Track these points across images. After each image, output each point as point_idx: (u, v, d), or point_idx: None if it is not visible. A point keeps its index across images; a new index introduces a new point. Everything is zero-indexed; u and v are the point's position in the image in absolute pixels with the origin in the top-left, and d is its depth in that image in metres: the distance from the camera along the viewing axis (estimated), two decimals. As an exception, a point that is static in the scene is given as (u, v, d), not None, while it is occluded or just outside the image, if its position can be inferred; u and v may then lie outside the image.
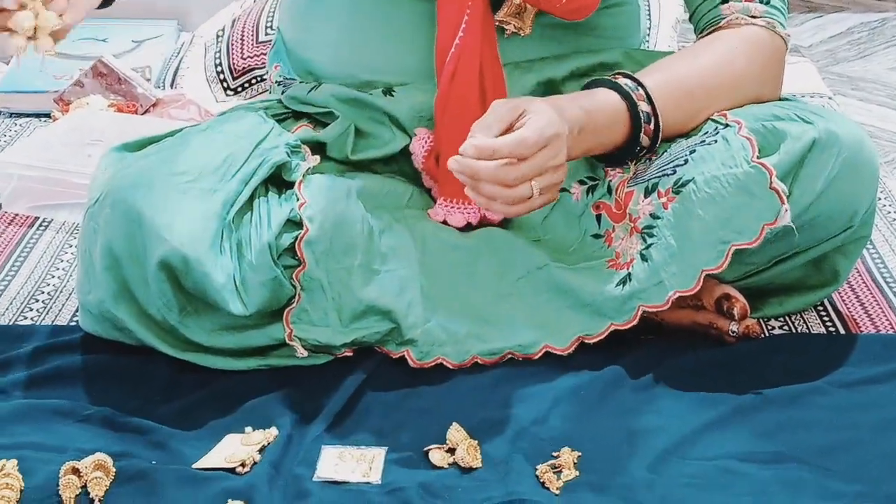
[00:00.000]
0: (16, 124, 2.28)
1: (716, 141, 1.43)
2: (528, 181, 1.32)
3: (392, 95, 1.57)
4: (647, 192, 1.47)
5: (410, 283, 1.47)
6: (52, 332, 1.57)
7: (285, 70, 1.67)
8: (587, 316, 1.47)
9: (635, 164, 1.50)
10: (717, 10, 1.52)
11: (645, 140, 1.45)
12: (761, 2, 1.51)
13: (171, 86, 2.33)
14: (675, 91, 1.46)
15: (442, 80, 1.50)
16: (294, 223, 1.46)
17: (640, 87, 1.45)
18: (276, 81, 1.68)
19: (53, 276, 1.75)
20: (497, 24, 1.52)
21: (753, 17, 1.50)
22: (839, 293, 1.63)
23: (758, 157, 1.40)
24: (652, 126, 1.45)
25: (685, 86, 1.47)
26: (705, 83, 1.48)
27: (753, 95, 1.50)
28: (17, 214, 1.93)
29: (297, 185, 1.49)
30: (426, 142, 1.56)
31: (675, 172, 1.44)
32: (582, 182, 1.53)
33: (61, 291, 1.71)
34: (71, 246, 1.83)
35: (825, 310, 1.61)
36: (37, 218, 1.92)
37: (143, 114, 2.19)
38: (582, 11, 1.48)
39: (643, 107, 1.44)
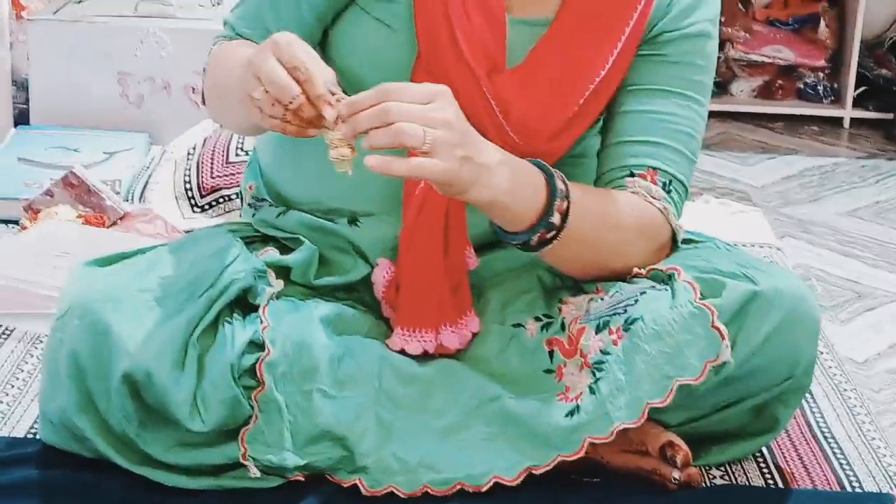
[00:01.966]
0: (-17, 230, 2.32)
1: (665, 287, 1.50)
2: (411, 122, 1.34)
3: (357, 225, 1.62)
4: (599, 329, 1.52)
5: (366, 411, 1.51)
6: (9, 444, 1.60)
7: (259, 190, 1.73)
8: (536, 447, 1.51)
9: (588, 302, 1.56)
10: (623, 181, 1.58)
11: (557, 218, 1.47)
12: (663, 187, 1.57)
13: (140, 199, 2.38)
14: (588, 204, 1.51)
15: (409, 212, 1.56)
16: (256, 345, 1.50)
17: (559, 176, 1.49)
18: (249, 203, 1.74)
19: (13, 387, 1.77)
20: None
21: (654, 198, 1.57)
22: (779, 444, 1.68)
23: (700, 299, 1.47)
24: (565, 206, 1.47)
25: (597, 209, 1.52)
26: (608, 222, 1.53)
27: (630, 261, 1.56)
28: (-21, 322, 1.95)
29: (261, 308, 1.54)
30: (387, 272, 1.61)
31: (625, 311, 1.50)
32: (537, 319, 1.59)
33: (20, 403, 1.73)
34: (32, 356, 1.86)
35: (765, 461, 1.66)
36: (-2, 327, 1.95)
37: (110, 226, 2.23)
38: (546, 158, 1.54)
39: (560, 184, 1.47)
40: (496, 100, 1.53)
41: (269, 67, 1.33)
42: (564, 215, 1.47)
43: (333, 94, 1.35)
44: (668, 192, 1.57)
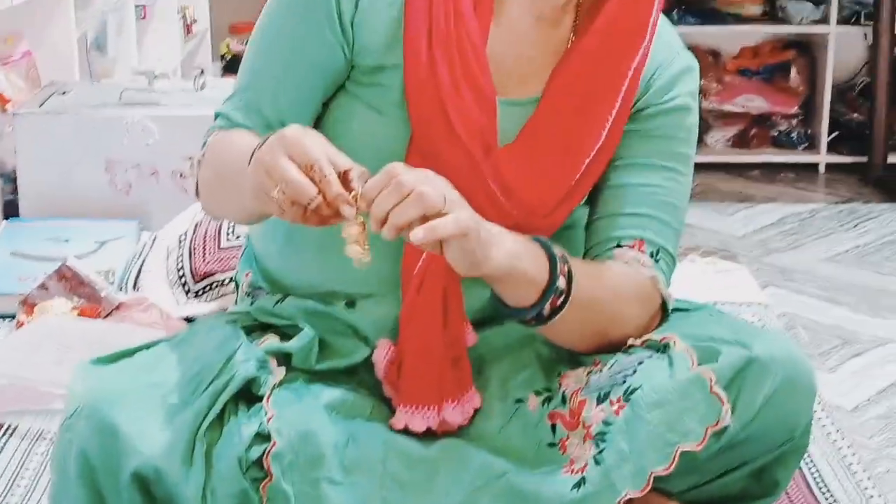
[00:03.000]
0: (-21, 326, 2.34)
1: (662, 355, 1.53)
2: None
3: (355, 308, 1.65)
4: (600, 400, 1.54)
5: (373, 496, 1.52)
6: (22, 545, 1.61)
7: (255, 278, 1.75)
8: (543, 522, 1.52)
9: (587, 375, 1.58)
10: (611, 253, 1.62)
11: (563, 282, 1.50)
12: (651, 257, 1.61)
13: (134, 287, 2.39)
14: (586, 271, 1.55)
15: (409, 291, 1.58)
16: (262, 436, 1.52)
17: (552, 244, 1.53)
18: (246, 292, 1.76)
19: (19, 486, 1.79)
20: None
21: (643, 266, 1.61)
22: (775, 498, 1.71)
23: (697, 366, 1.50)
24: (567, 268, 1.51)
25: (595, 277, 1.56)
26: (607, 290, 1.57)
27: (627, 329, 1.59)
28: (-18, 419, 1.97)
29: (265, 399, 1.56)
30: (388, 352, 1.63)
31: (625, 381, 1.53)
32: (538, 393, 1.61)
33: (28, 500, 1.74)
34: (36, 454, 1.87)
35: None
36: (0, 424, 1.96)
37: (106, 317, 2.25)
38: (542, 232, 1.58)
39: (556, 250, 1.51)
40: (493, 178, 1.57)
41: (282, 168, 1.35)
42: (569, 278, 1.50)
43: (352, 188, 1.36)
44: (657, 261, 1.61)
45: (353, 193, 1.37)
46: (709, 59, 4.16)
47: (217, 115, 1.66)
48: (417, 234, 1.36)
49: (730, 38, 4.21)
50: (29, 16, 3.27)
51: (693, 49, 1.71)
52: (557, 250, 1.52)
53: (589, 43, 1.60)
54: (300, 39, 1.60)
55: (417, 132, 1.57)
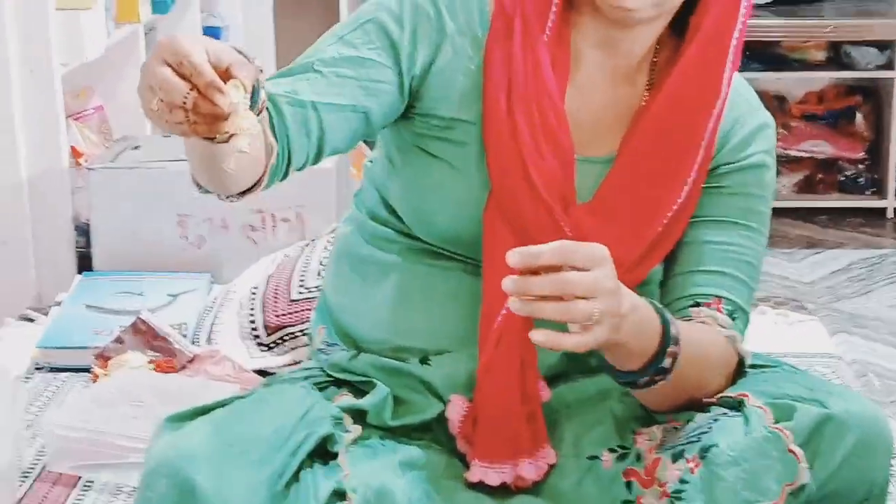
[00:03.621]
0: (56, 378, 2.37)
1: (737, 413, 1.53)
2: (583, 298, 1.33)
3: (429, 364, 1.66)
4: (675, 458, 1.54)
5: (449, 552, 1.54)
6: None
7: (329, 333, 1.77)
8: (620, 580, 1.52)
9: (662, 432, 1.58)
10: (689, 311, 1.62)
11: (668, 362, 1.49)
12: (729, 315, 1.61)
13: (207, 341, 2.42)
14: (690, 340, 1.53)
15: (487, 345, 1.59)
16: (337, 493, 1.53)
17: (673, 322, 1.51)
18: (319, 348, 1.78)
19: (99, 542, 1.81)
20: None
21: (721, 326, 1.60)
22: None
23: (773, 424, 1.49)
24: (676, 352, 1.49)
25: (695, 346, 1.54)
26: (702, 358, 1.56)
27: (708, 390, 1.58)
28: (61, 474, 2.00)
29: (340, 455, 1.57)
30: (462, 408, 1.64)
31: (699, 440, 1.52)
32: (612, 450, 1.61)
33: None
34: (114, 508, 1.90)
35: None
36: (79, 478, 1.99)
37: (180, 370, 2.28)
38: (627, 286, 1.58)
39: (674, 331, 1.49)
40: (574, 233, 1.57)
41: (153, 72, 1.25)
42: (674, 360, 1.50)
43: (230, 77, 1.26)
44: (734, 319, 1.61)
45: (233, 81, 1.26)
46: (774, 105, 4.15)
47: None
48: (538, 338, 1.34)
49: (795, 84, 4.21)
50: (100, 71, 3.33)
51: (758, 95, 1.71)
52: (674, 329, 1.49)
53: (662, 102, 1.61)
54: (359, 57, 1.58)
55: (497, 187, 1.58)
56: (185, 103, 1.25)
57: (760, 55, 4.08)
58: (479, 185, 1.59)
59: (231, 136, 1.28)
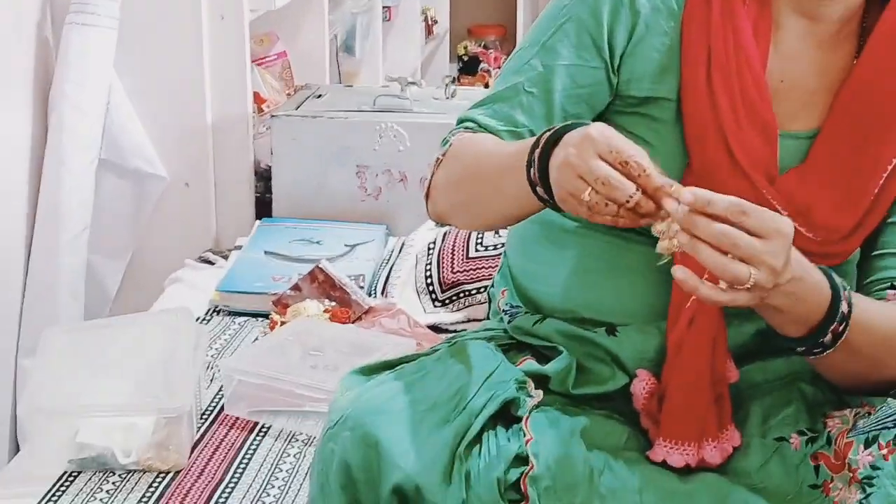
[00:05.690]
0: (234, 322, 2.41)
1: None
2: (742, 261, 1.31)
3: (615, 335, 1.63)
4: (868, 444, 1.49)
5: (628, 526, 1.51)
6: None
7: (511, 296, 1.75)
8: (805, 565, 1.49)
9: (854, 417, 1.54)
10: (884, 293, 1.57)
11: (829, 338, 1.45)
12: None
13: (382, 293, 2.43)
14: (871, 323, 1.49)
15: (679, 324, 1.56)
16: (518, 458, 1.52)
17: (845, 298, 1.47)
18: (503, 310, 1.77)
19: (273, 486, 1.83)
20: None
21: None
22: None
23: None
24: (841, 328, 1.45)
25: (879, 325, 1.51)
26: (888, 338, 1.51)
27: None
28: (237, 418, 2.03)
29: (524, 420, 1.56)
30: (647, 384, 1.62)
31: (895, 426, 1.48)
32: (801, 433, 1.57)
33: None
34: (289, 455, 1.92)
35: None
36: (256, 423, 2.02)
37: (355, 321, 2.29)
38: (837, 259, 1.54)
39: (843, 306, 1.45)
40: (785, 202, 1.53)
41: (597, 167, 1.31)
42: (836, 336, 1.45)
43: (670, 184, 1.32)
44: None
45: (673, 188, 1.31)
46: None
47: (462, 120, 1.65)
48: (679, 274, 1.32)
49: None
50: (283, 17, 3.36)
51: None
52: (845, 305, 1.46)
53: (867, 71, 1.55)
54: (565, 66, 1.59)
55: (696, 163, 1.55)
56: (627, 202, 1.30)
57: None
58: (678, 161, 1.56)
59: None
